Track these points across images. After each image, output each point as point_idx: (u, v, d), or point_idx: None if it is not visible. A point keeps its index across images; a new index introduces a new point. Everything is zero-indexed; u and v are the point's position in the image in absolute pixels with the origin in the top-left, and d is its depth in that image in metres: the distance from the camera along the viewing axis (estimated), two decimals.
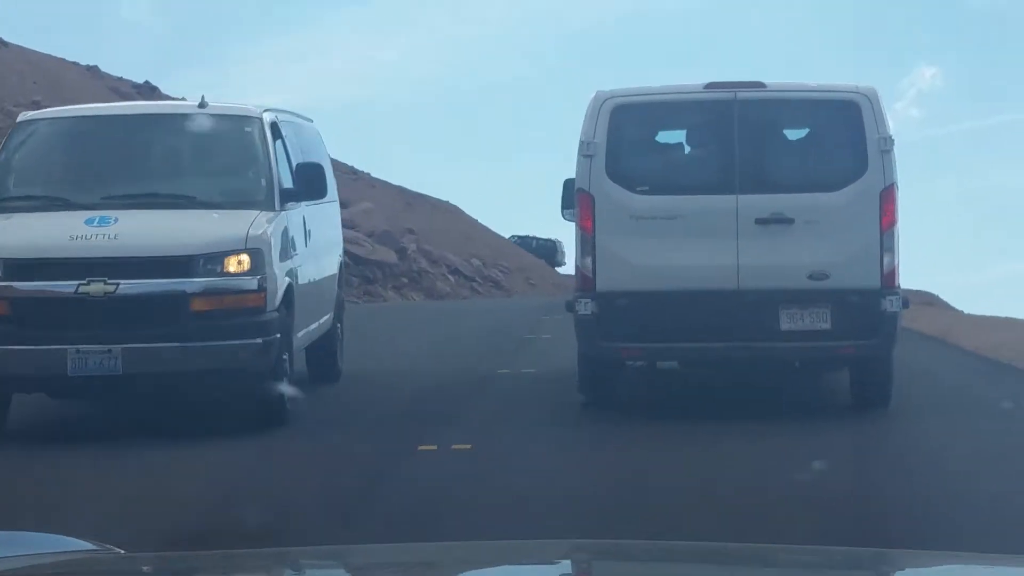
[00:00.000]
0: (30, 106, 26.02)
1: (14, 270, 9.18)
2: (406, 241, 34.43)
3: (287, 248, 10.10)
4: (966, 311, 29.14)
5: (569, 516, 6.87)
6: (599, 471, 8.40)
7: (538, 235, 46.32)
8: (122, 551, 2.88)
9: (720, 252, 9.70)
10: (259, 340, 9.30)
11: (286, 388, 9.76)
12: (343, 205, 37.95)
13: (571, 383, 10.68)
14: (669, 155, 10.67)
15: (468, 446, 9.01)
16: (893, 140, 9.85)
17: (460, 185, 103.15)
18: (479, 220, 45.72)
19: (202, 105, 10.57)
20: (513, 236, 45.71)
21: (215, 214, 9.92)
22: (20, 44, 40.50)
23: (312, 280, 11.12)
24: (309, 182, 10.69)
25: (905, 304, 10.02)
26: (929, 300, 35.87)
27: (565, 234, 10.24)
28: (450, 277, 34.81)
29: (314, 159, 11.45)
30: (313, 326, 11.16)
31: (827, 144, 10.38)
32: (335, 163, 48.47)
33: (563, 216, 10.72)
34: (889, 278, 9.72)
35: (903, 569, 2.73)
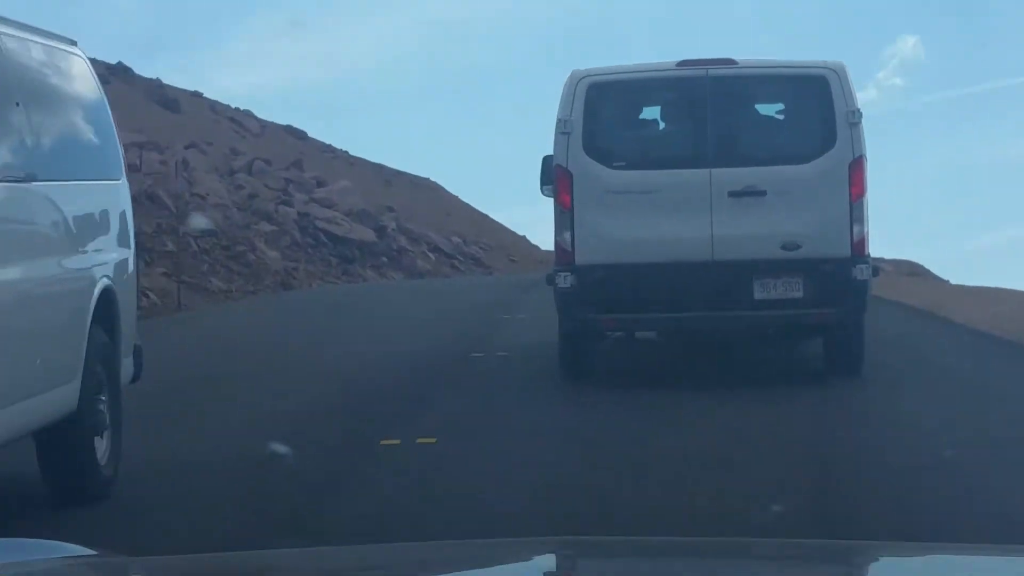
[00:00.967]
0: None
1: None
2: (385, 219, 34.77)
3: None
4: (952, 281, 29.60)
5: (536, 519, 6.63)
6: (571, 469, 7.95)
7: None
8: (122, 556, 2.95)
9: (694, 224, 10.19)
10: None
11: None
12: (320, 183, 38.47)
13: (545, 367, 11.00)
14: (644, 131, 11.18)
15: (433, 440, 8.76)
16: (861, 113, 10.37)
17: (441, 163, 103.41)
18: (460, 197, 46.10)
19: None
20: None
21: None
22: None
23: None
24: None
25: (875, 272, 10.55)
26: (913, 270, 36.39)
27: (545, 210, 10.38)
28: (430, 255, 35.19)
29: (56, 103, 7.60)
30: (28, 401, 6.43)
31: (797, 118, 10.92)
32: (314, 143, 48.60)
33: (542, 192, 11.16)
34: (859, 247, 10.23)
35: (878, 560, 2.78)
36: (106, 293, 7.37)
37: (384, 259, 32.68)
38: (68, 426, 6.76)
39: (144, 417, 8.52)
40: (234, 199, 30.04)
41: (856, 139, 10.28)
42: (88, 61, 8.14)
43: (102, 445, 7.09)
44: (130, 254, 8.19)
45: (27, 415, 6.41)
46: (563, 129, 10.36)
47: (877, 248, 11.08)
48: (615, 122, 10.91)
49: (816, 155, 10.33)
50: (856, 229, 10.21)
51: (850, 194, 10.23)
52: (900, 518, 6.49)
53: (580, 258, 10.29)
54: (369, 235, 32.83)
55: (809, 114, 10.68)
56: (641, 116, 11.28)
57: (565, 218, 10.40)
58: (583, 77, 10.50)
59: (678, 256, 10.19)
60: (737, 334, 11.12)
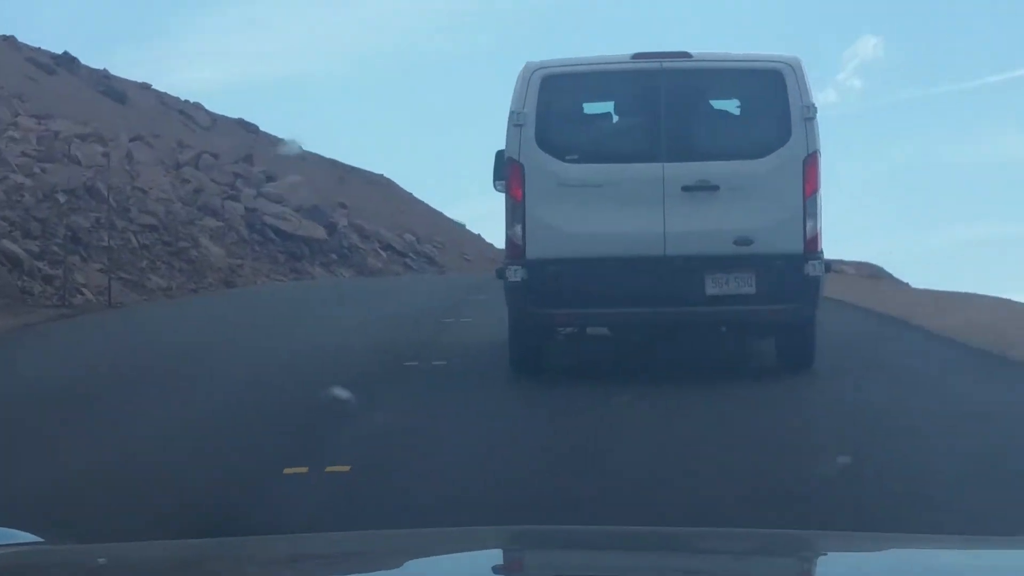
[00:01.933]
0: None
1: None
2: (337, 216, 34.76)
3: None
4: (912, 284, 29.71)
5: None
6: (500, 503, 7.07)
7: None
8: (70, 543, 2.96)
9: (647, 219, 10.25)
10: None
11: None
12: (270, 178, 38.31)
13: (484, 378, 10.80)
14: (597, 124, 11.24)
15: (346, 468, 7.78)
16: (816, 108, 10.45)
17: (396, 160, 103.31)
18: (414, 194, 46.12)
19: None
20: None
21: None
22: None
23: None
24: None
25: (827, 268, 10.66)
26: (874, 273, 36.68)
27: (499, 208, 10.27)
28: (382, 253, 35.22)
29: None
30: None
31: (751, 112, 10.97)
32: (266, 137, 48.38)
33: (495, 187, 11.21)
34: (812, 243, 10.34)
35: (840, 551, 2.81)
36: None
37: (334, 256, 32.68)
38: None
39: None
40: (179, 193, 29.91)
41: (811, 134, 10.36)
42: None
43: None
44: None
45: None
46: (516, 121, 10.40)
47: (835, 250, 11.19)
48: (568, 115, 10.94)
49: (770, 150, 10.40)
50: (809, 225, 10.31)
51: (804, 190, 10.32)
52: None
53: (531, 252, 10.33)
54: (319, 232, 32.81)
55: (764, 109, 10.72)
56: (595, 109, 11.35)
57: (517, 211, 10.43)
58: (537, 69, 10.53)
59: (630, 251, 10.26)
60: (689, 330, 11.17)
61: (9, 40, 41.07)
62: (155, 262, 24.70)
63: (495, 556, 2.73)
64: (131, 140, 32.82)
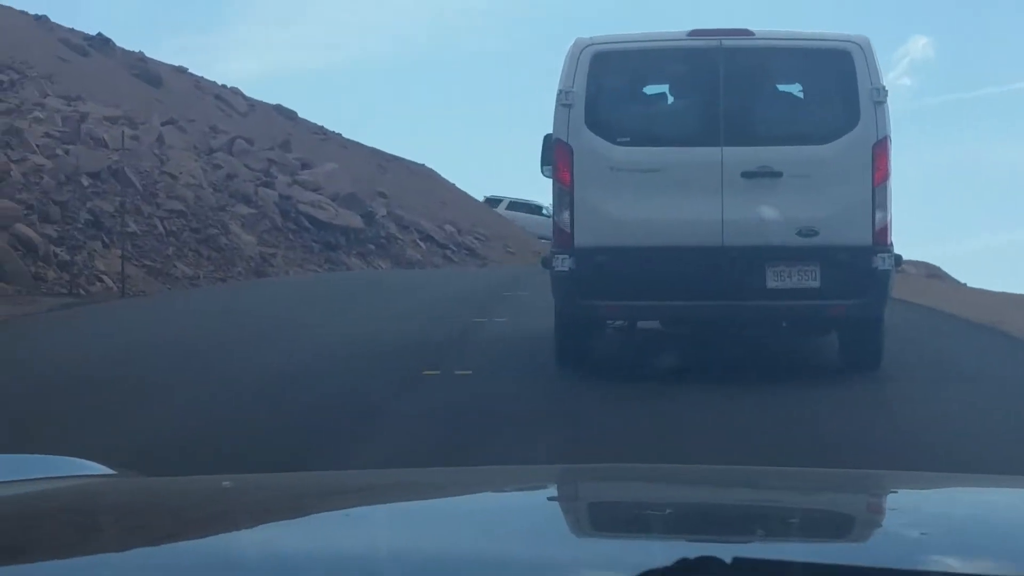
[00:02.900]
0: None
1: None
2: (375, 205, 34.63)
3: None
4: (968, 284, 29.46)
5: None
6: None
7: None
8: (141, 476, 2.96)
9: (704, 207, 9.97)
10: None
11: None
12: (305, 165, 38.31)
13: (510, 393, 9.99)
14: (651, 105, 10.95)
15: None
16: (887, 91, 10.13)
17: (439, 150, 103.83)
18: (457, 185, 46.09)
19: None
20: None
21: None
22: None
23: None
24: None
25: (898, 262, 10.33)
26: (933, 272, 36.42)
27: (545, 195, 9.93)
28: (421, 244, 35.05)
29: None
30: None
31: (817, 95, 10.68)
32: (305, 124, 48.57)
33: (542, 172, 10.97)
34: (881, 235, 10.00)
35: (897, 490, 2.85)
36: None
37: (372, 246, 32.52)
38: None
39: None
40: (210, 179, 29.79)
41: (881, 118, 10.02)
42: None
43: None
44: None
45: None
46: (564, 101, 10.12)
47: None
48: (621, 95, 10.64)
49: (837, 135, 10.09)
50: (879, 216, 9.96)
51: (873, 178, 9.98)
52: None
53: (580, 240, 10.06)
54: (356, 221, 32.63)
55: (830, 91, 10.44)
56: (649, 89, 11.05)
57: (564, 197, 10.17)
58: (587, 46, 10.26)
59: (686, 240, 9.98)
60: (748, 325, 10.92)
61: (42, 20, 41.29)
62: (182, 249, 24.46)
63: (551, 491, 2.78)
64: (163, 124, 32.79)
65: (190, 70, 45.17)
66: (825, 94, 10.58)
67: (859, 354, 10.47)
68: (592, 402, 9.74)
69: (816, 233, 9.98)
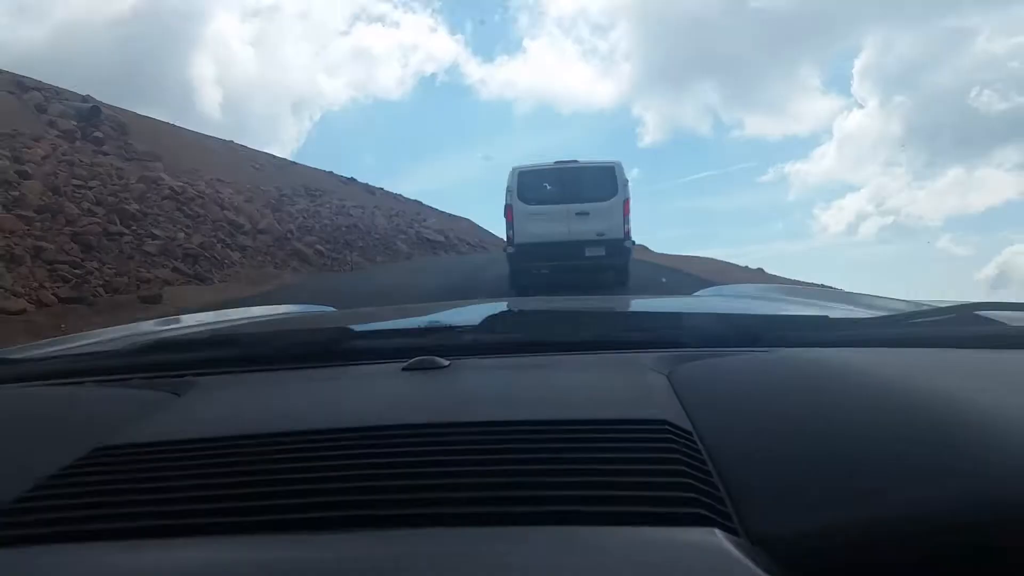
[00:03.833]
0: None
1: None
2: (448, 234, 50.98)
3: None
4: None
5: None
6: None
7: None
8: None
9: (562, 226, 19.99)
10: None
11: None
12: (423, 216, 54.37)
13: (494, 276, 22.87)
14: (540, 189, 20.94)
15: None
16: (628, 181, 24.37)
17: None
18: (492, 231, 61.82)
19: None
20: None
21: None
22: None
23: None
24: None
25: (633, 243, 23.87)
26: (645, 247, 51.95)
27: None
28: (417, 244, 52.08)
29: None
30: None
31: (603, 182, 20.65)
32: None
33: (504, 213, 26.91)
34: (627, 233, 20.07)
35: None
36: None
37: (442, 252, 48.99)
38: None
39: None
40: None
41: (624, 191, 20.25)
42: None
43: None
44: None
45: None
46: (509, 188, 21.32)
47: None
48: (530, 185, 20.76)
49: (610, 197, 20.13)
50: (626, 227, 20.03)
51: (624, 212, 20.06)
52: None
53: (517, 240, 20.14)
54: (439, 238, 49.35)
55: (607, 181, 20.46)
56: (539, 183, 20.76)
57: (510, 224, 22.03)
58: (517, 167, 23.68)
59: (556, 239, 19.90)
60: (578, 271, 20.15)
61: None
62: (374, 255, 39.65)
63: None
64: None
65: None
66: (606, 182, 20.55)
67: (620, 279, 20.01)
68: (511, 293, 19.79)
69: (604, 234, 19.88)
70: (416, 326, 2.54)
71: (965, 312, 2.22)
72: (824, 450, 1.33)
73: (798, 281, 20.18)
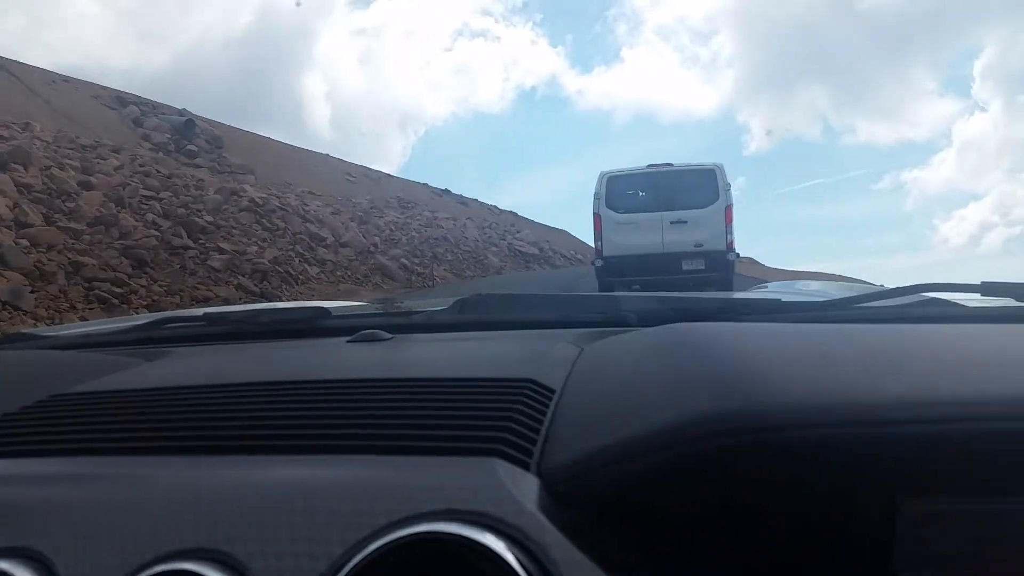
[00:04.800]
0: None
1: None
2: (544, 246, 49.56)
3: None
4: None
5: None
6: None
7: None
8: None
9: (655, 237, 20.01)
10: None
11: None
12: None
13: (585, 284, 24.75)
14: (631, 196, 22.27)
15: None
16: (730, 184, 22.81)
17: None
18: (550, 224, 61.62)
19: None
20: None
21: None
22: None
23: None
24: None
25: (737, 256, 22.95)
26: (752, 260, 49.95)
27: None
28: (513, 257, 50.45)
29: None
30: None
31: (701, 186, 19.01)
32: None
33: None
34: (730, 244, 19.91)
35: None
36: None
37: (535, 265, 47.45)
38: None
39: None
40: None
41: (726, 197, 20.37)
42: None
43: None
44: None
45: None
46: (597, 196, 21.54)
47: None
48: (619, 192, 19.42)
49: (710, 203, 18.52)
50: (728, 237, 18.23)
51: (725, 220, 18.36)
52: None
53: (605, 252, 18.76)
54: (534, 249, 47.62)
55: (705, 184, 18.82)
56: (630, 189, 19.46)
57: (599, 234, 21.37)
58: (605, 172, 22.47)
59: (647, 250, 18.45)
60: (674, 287, 17.90)
61: None
62: (462, 268, 38.27)
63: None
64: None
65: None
66: (705, 186, 18.89)
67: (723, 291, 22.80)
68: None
69: (703, 245, 18.20)
70: (383, 309, 2.79)
71: (913, 292, 2.27)
72: (627, 400, 1.44)
73: None
